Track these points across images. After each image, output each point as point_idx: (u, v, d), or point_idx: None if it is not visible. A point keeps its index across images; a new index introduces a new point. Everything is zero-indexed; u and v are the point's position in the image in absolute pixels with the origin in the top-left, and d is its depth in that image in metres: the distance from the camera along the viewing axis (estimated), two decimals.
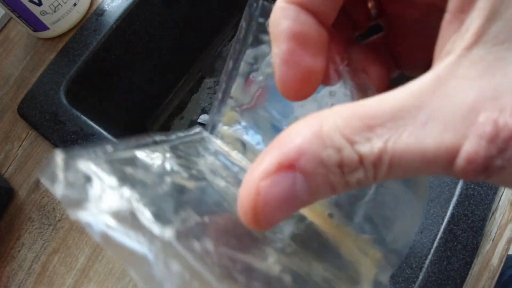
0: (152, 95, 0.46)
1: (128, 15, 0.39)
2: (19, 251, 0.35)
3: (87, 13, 0.41)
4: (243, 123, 0.21)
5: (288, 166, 0.10)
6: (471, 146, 0.09)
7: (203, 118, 0.45)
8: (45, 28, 0.39)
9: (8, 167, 0.37)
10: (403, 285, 0.31)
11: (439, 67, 0.10)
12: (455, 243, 0.30)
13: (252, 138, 0.20)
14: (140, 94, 0.45)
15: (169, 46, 0.46)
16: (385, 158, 0.10)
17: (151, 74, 0.45)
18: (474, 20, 0.10)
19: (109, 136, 0.34)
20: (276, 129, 0.22)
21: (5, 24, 0.44)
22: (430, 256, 0.30)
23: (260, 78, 0.24)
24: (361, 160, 0.10)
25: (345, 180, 0.10)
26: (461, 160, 0.09)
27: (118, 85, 0.42)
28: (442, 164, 0.10)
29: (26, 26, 0.39)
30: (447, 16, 0.11)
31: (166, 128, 0.46)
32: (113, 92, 0.42)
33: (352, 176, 0.10)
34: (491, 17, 0.10)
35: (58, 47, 0.40)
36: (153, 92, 0.46)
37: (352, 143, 0.10)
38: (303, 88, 0.14)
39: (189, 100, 0.47)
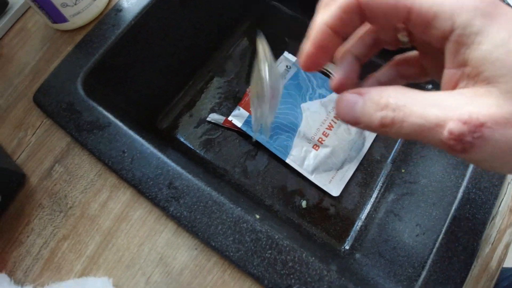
0: (163, 91, 0.48)
1: (146, 13, 0.42)
2: (27, 236, 0.36)
3: (105, 8, 0.43)
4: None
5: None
6: (452, 124, 0.16)
7: (212, 117, 0.48)
8: (64, 20, 0.41)
9: (21, 154, 0.39)
10: (405, 283, 0.33)
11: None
12: (456, 245, 0.33)
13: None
14: (152, 90, 0.47)
15: (183, 45, 0.48)
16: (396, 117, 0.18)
17: (163, 71, 0.47)
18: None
19: (124, 127, 0.36)
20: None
21: (23, 14, 0.47)
22: (432, 256, 0.32)
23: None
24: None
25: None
26: (445, 131, 0.16)
27: (132, 80, 0.44)
28: (435, 131, 0.16)
29: (45, 17, 0.41)
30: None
31: (175, 125, 0.48)
32: (126, 86, 0.44)
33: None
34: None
35: (75, 39, 0.43)
36: (165, 89, 0.48)
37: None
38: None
39: (199, 99, 0.50)
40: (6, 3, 0.46)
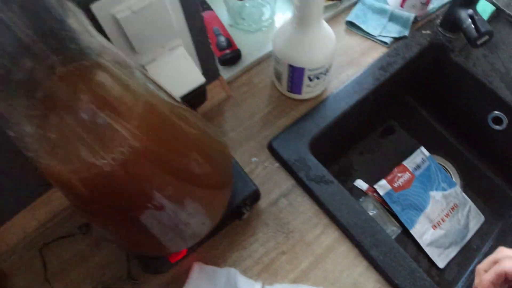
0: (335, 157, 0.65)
1: (352, 106, 0.59)
2: (251, 244, 0.51)
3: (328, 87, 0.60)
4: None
5: None
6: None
7: (358, 183, 0.64)
8: (298, 93, 0.57)
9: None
10: None
11: None
12: None
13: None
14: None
15: (354, 125, 0.65)
16: None
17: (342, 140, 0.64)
18: None
19: (341, 187, 0.52)
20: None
21: (250, 69, 0.62)
22: None
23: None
24: None
25: None
26: None
27: (349, 148, 0.61)
28: None
29: (282, 84, 0.57)
30: None
31: None
32: (338, 154, 0.60)
33: None
34: None
35: (298, 106, 0.59)
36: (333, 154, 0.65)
37: None
38: None
39: (351, 166, 0.67)
40: (240, 56, 0.62)
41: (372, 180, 0.65)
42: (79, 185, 0.30)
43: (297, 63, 0.52)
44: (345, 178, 0.66)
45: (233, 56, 0.60)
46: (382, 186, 0.63)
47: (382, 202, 0.63)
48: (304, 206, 0.53)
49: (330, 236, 0.51)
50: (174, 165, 0.35)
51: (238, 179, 0.48)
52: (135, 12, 0.40)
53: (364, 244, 0.50)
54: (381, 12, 0.66)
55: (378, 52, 0.63)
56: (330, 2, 0.66)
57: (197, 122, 0.38)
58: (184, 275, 0.48)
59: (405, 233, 0.62)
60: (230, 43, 0.61)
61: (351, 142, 0.67)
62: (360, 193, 0.65)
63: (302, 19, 0.49)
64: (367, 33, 0.65)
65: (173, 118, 0.35)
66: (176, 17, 0.46)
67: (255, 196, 0.50)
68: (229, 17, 0.66)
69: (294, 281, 0.49)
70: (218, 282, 0.48)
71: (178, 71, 0.47)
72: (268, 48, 0.63)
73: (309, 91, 0.57)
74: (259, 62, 0.63)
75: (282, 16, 0.67)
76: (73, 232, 0.53)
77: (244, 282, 0.48)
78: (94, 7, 0.37)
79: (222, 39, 0.61)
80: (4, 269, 0.51)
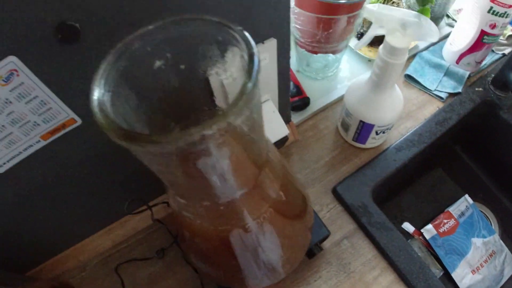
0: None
1: (411, 158, 0.65)
2: (315, 280, 0.57)
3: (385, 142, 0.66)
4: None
5: None
6: None
7: (405, 225, 0.70)
8: (363, 143, 0.63)
9: None
10: None
11: None
12: None
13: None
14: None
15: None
16: None
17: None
18: None
19: (400, 235, 0.58)
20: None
21: (315, 115, 0.68)
22: None
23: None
24: None
25: None
26: None
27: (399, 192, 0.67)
28: None
29: (348, 134, 0.63)
30: None
31: None
32: (391, 197, 0.66)
33: None
34: None
35: (360, 154, 0.65)
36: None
37: None
38: None
39: (399, 210, 0.72)
40: (308, 103, 0.68)
41: (416, 223, 0.71)
42: (219, 240, 0.36)
43: (368, 120, 0.58)
44: (393, 220, 0.72)
45: (303, 104, 0.66)
46: (429, 231, 0.69)
47: (427, 246, 0.69)
48: (364, 249, 0.59)
49: (387, 278, 0.57)
50: (289, 215, 0.41)
51: (314, 223, 0.54)
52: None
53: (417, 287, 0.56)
54: (437, 67, 0.72)
55: (434, 106, 0.69)
56: None
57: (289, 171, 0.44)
58: None
59: (446, 276, 0.68)
60: (300, 90, 0.67)
61: (402, 187, 0.73)
62: (406, 235, 0.71)
63: (378, 84, 0.55)
64: (424, 87, 0.71)
65: (285, 170, 0.41)
66: (272, 75, 0.52)
67: (325, 238, 0.56)
68: (296, 63, 0.72)
69: None
70: None
71: (267, 123, 0.54)
72: (333, 96, 0.69)
73: (373, 142, 0.63)
74: (324, 108, 0.69)
75: (347, 65, 0.73)
76: (149, 255, 0.59)
77: None
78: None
79: (292, 86, 0.67)
80: (73, 284, 0.57)
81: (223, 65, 0.29)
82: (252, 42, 0.24)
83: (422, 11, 0.53)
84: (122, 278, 0.57)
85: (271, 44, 0.47)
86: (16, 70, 0.33)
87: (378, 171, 0.62)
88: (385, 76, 0.54)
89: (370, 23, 0.72)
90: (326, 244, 0.59)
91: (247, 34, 0.24)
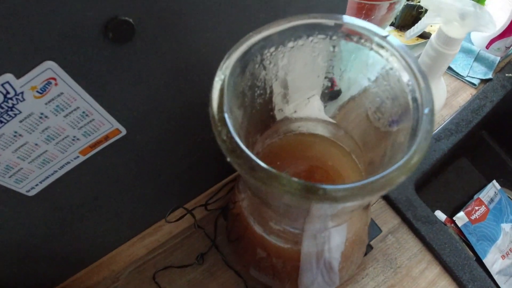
0: None
1: None
2: (362, 278, 0.51)
3: None
4: None
5: None
6: None
7: (437, 213, 0.65)
8: None
9: None
10: None
11: None
12: None
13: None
14: None
15: None
16: None
17: None
18: None
19: (444, 227, 0.53)
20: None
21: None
22: None
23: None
24: None
25: None
26: None
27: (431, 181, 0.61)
28: None
29: None
30: None
31: None
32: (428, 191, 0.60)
33: None
34: None
35: None
36: None
37: None
38: None
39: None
40: (340, 93, 0.60)
41: (446, 211, 0.66)
42: (294, 258, 0.30)
43: None
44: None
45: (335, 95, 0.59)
46: (461, 218, 0.64)
47: (459, 233, 0.64)
48: (409, 243, 0.53)
49: (433, 271, 0.52)
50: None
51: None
52: None
53: (463, 279, 0.51)
54: (467, 52, 0.65)
55: (467, 93, 0.63)
56: (420, 41, 0.65)
57: None
58: None
59: (477, 261, 0.64)
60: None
61: (434, 176, 0.68)
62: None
63: (427, 73, 0.48)
64: (456, 73, 0.64)
65: None
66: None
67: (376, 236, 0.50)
68: None
69: None
70: None
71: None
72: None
73: None
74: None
75: None
76: (187, 261, 0.52)
77: None
78: None
79: None
80: None
81: None
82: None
83: (478, 0, 0.45)
84: (161, 286, 0.50)
85: None
86: (54, 79, 0.24)
87: (420, 163, 0.56)
88: (435, 66, 0.47)
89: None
90: (372, 241, 0.53)
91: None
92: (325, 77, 0.26)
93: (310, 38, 0.20)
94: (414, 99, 0.20)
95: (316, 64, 0.23)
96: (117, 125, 0.31)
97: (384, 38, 0.21)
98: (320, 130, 0.29)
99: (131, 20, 0.24)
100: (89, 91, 0.27)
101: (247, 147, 0.18)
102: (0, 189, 0.29)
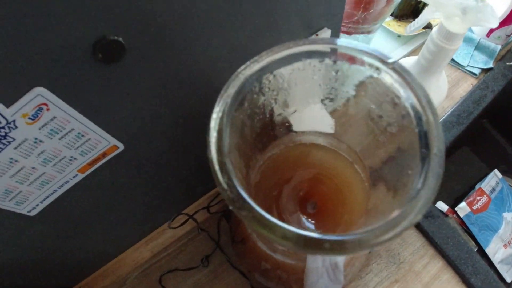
0: None
1: None
2: (366, 274, 0.51)
3: None
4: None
5: None
6: None
7: (438, 204, 0.65)
8: None
9: None
10: None
11: None
12: None
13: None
14: None
15: None
16: None
17: None
18: None
19: (448, 222, 0.52)
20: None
21: None
22: None
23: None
24: None
25: None
26: None
27: None
28: None
29: None
30: None
31: None
32: None
33: None
34: None
35: None
36: None
37: None
38: None
39: None
40: None
41: (448, 202, 0.65)
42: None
43: None
44: None
45: None
46: (462, 209, 0.64)
47: (461, 223, 0.64)
48: (412, 238, 0.53)
49: (436, 265, 0.52)
50: None
51: None
52: None
53: (466, 273, 0.51)
54: (468, 40, 0.64)
55: (467, 83, 0.62)
56: (421, 31, 0.63)
57: None
58: None
59: (479, 251, 0.63)
60: None
61: None
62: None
63: (427, 68, 0.47)
64: (457, 62, 0.62)
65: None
66: None
67: None
68: None
69: None
70: None
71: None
72: None
73: None
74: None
75: (377, 42, 0.64)
76: (192, 264, 0.52)
77: None
78: None
79: None
80: None
81: None
82: None
83: None
84: None
85: (326, 35, 0.38)
86: (45, 104, 0.23)
87: None
88: (436, 61, 0.46)
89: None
90: None
91: None
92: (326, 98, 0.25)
93: (308, 61, 0.19)
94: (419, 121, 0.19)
95: (316, 85, 0.22)
96: (114, 141, 0.31)
97: (390, 65, 0.20)
98: (321, 141, 0.29)
99: (120, 39, 0.23)
100: (82, 112, 0.26)
101: (247, 166, 0.18)
102: (2, 211, 0.28)
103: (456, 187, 0.68)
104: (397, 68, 0.20)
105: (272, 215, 0.20)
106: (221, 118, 0.17)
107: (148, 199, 0.45)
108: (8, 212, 0.29)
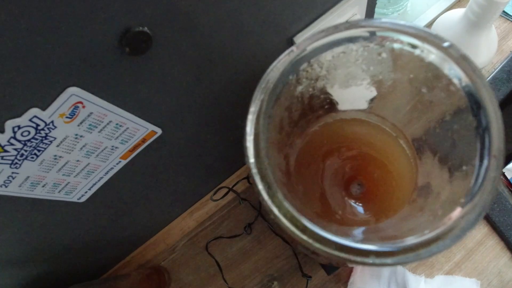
0: None
1: None
2: None
3: None
4: None
5: None
6: None
7: None
8: None
9: None
10: None
11: None
12: None
13: None
14: None
15: None
16: None
17: None
18: None
19: None
20: None
21: None
22: None
23: None
24: None
25: None
26: None
27: None
28: None
29: None
30: None
31: None
32: None
33: None
34: None
35: None
36: None
37: None
38: None
39: None
40: None
41: None
42: None
43: None
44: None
45: None
46: (510, 170, 0.58)
47: (508, 185, 0.59)
48: None
49: (481, 231, 0.49)
50: None
51: None
52: None
53: (511, 239, 0.47)
54: None
55: None
56: None
57: None
58: (349, 268, 0.48)
59: None
60: None
61: None
62: None
63: (476, 23, 0.41)
64: (506, 13, 0.54)
65: None
66: None
67: None
68: None
69: (448, 273, 0.48)
70: (383, 275, 0.48)
71: None
72: None
73: None
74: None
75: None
76: (236, 231, 0.52)
77: (409, 275, 0.47)
78: None
79: None
80: (166, 266, 0.52)
81: None
82: None
83: None
84: (213, 255, 0.52)
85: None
86: (80, 102, 0.22)
87: None
88: (486, 15, 0.39)
89: None
90: None
91: None
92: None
93: (350, 46, 0.16)
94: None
95: (359, 68, 0.19)
96: (152, 127, 0.30)
97: (446, 49, 0.16)
98: (364, 116, 0.26)
99: (146, 29, 0.21)
100: (117, 104, 0.25)
101: (286, 157, 0.16)
102: (54, 201, 0.29)
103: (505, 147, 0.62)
104: (454, 54, 0.16)
105: (316, 203, 0.19)
106: (257, 119, 0.15)
107: (190, 175, 0.44)
108: (61, 202, 0.29)
